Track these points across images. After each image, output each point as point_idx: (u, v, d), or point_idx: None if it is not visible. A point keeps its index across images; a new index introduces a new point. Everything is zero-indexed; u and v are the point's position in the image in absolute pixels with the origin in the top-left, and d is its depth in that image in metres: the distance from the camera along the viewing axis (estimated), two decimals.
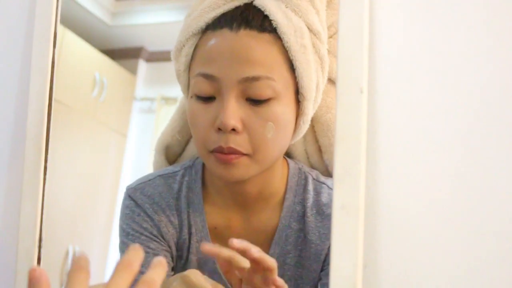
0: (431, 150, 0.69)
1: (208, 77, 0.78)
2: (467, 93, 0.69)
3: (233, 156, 0.77)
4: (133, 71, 1.43)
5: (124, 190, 0.91)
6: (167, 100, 1.41)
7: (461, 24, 0.70)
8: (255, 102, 0.77)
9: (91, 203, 1.39)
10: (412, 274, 0.68)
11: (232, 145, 0.77)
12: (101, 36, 1.40)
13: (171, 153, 0.97)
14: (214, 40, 0.79)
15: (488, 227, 0.66)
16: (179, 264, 0.88)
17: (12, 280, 0.90)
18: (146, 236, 0.86)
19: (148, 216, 0.87)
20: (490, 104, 0.68)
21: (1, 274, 0.94)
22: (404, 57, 0.71)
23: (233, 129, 0.77)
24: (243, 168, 0.78)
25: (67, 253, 1.26)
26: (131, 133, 1.44)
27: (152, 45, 1.44)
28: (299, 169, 0.88)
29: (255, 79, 0.76)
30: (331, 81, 0.85)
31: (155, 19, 1.43)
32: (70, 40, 1.27)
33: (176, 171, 0.90)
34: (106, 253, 1.35)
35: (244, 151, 0.78)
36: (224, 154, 0.78)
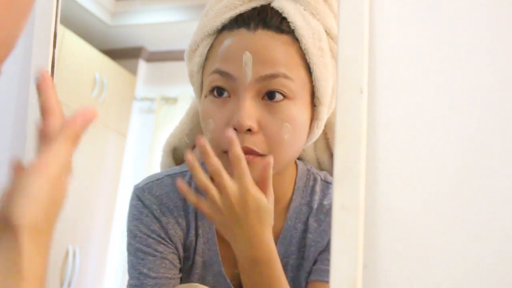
0: (431, 150, 0.69)
1: (224, 74, 0.77)
2: (467, 93, 0.69)
3: (249, 156, 0.75)
4: (133, 71, 1.44)
5: (132, 189, 0.90)
6: (167, 100, 1.41)
7: (461, 24, 0.70)
8: (271, 101, 0.76)
9: (91, 203, 1.39)
10: (412, 274, 0.68)
11: (249, 145, 0.75)
12: (101, 36, 1.40)
13: (179, 155, 0.95)
14: (231, 39, 0.78)
15: (488, 227, 0.66)
16: (186, 265, 0.87)
17: None
18: (153, 238, 0.84)
19: (156, 218, 0.85)
20: (490, 104, 0.68)
21: None
22: (404, 57, 0.71)
23: (249, 129, 0.75)
24: (257, 170, 0.76)
25: (67, 253, 1.26)
26: (131, 133, 1.44)
27: (152, 45, 1.44)
28: (308, 170, 0.88)
29: (273, 76, 0.75)
30: None
31: (155, 19, 1.43)
32: (70, 40, 1.27)
33: (185, 171, 0.89)
34: (106, 253, 1.36)
35: (260, 151, 0.76)
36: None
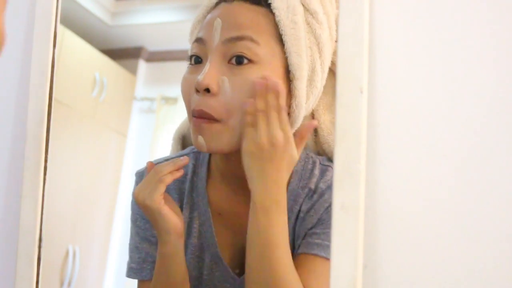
0: (431, 150, 0.69)
1: (199, 40, 0.80)
2: (467, 93, 0.69)
3: (203, 120, 0.76)
4: (133, 71, 1.43)
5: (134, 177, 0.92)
6: (167, 100, 1.41)
7: (461, 24, 0.70)
8: (237, 65, 0.77)
9: (91, 203, 1.39)
10: (412, 274, 0.68)
11: (204, 108, 0.76)
12: (101, 36, 1.40)
13: (187, 143, 0.97)
14: (211, 13, 0.82)
15: (488, 227, 0.66)
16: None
17: (12, 280, 0.90)
18: (150, 224, 0.86)
19: None
20: (490, 104, 0.68)
21: (1, 274, 0.94)
22: (404, 57, 0.71)
23: (208, 90, 0.76)
24: (214, 137, 0.77)
25: (67, 253, 1.26)
26: (131, 133, 1.44)
27: (152, 45, 1.44)
28: (307, 154, 0.88)
29: (238, 38, 0.77)
30: None
31: (155, 19, 1.43)
32: (70, 40, 1.27)
33: (185, 154, 0.91)
34: (106, 253, 1.36)
35: (216, 116, 0.76)
36: (196, 118, 0.77)
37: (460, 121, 0.69)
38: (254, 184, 0.75)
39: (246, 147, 0.75)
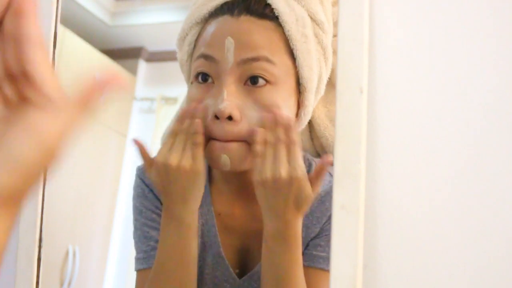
0: (431, 150, 0.69)
1: (208, 58, 0.77)
2: (467, 93, 0.69)
3: (231, 142, 0.75)
4: (133, 71, 1.44)
5: (135, 170, 0.92)
6: (167, 100, 1.41)
7: (462, 24, 0.70)
8: (253, 86, 0.76)
9: (91, 203, 1.39)
10: (412, 274, 0.68)
11: (229, 136, 0.75)
12: (101, 36, 1.40)
13: None
14: (215, 25, 0.79)
15: (488, 227, 0.66)
16: None
17: (12, 280, 0.90)
18: (157, 214, 0.85)
19: (156, 196, 0.87)
20: (491, 104, 0.68)
21: (1, 274, 0.94)
22: (404, 57, 0.71)
23: (230, 118, 0.74)
24: (241, 156, 0.76)
25: (67, 253, 1.26)
26: (131, 133, 1.44)
27: (152, 45, 1.44)
28: (303, 156, 0.87)
29: (254, 59, 0.75)
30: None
31: (155, 19, 1.43)
32: (70, 40, 1.27)
33: None
34: (106, 253, 1.36)
35: (243, 138, 0.75)
36: (220, 141, 0.76)
37: (461, 121, 0.69)
38: (263, 215, 0.75)
39: (254, 178, 0.74)
